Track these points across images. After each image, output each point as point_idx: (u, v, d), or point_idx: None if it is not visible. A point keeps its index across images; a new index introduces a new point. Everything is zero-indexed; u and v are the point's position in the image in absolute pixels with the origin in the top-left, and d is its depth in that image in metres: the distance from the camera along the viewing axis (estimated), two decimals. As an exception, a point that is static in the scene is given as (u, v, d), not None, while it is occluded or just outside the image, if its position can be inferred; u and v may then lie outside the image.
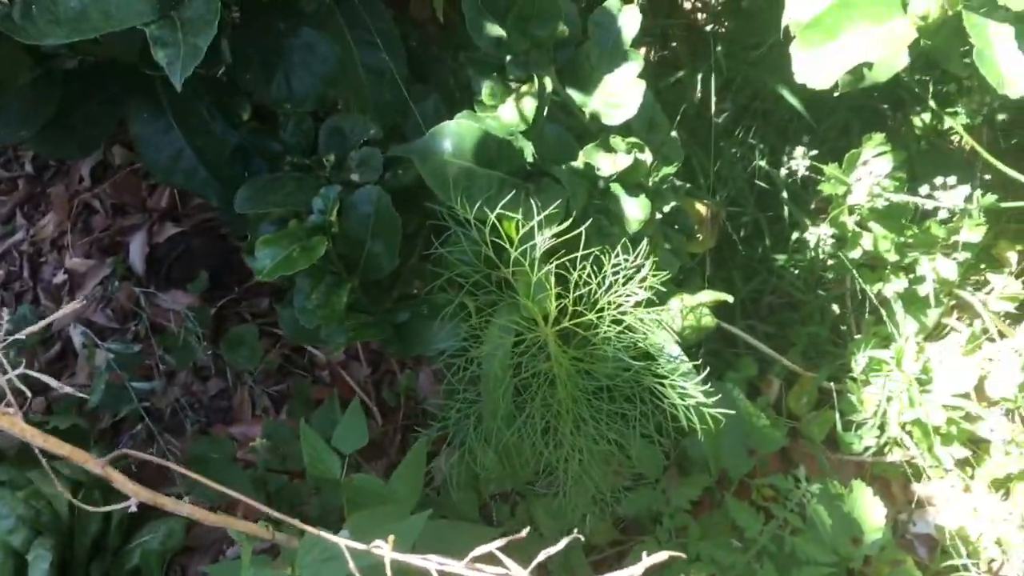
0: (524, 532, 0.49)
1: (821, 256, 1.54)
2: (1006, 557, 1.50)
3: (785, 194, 1.66)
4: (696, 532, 1.29)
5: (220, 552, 1.73)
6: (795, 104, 1.55)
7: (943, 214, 1.42)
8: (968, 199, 1.35)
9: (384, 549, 0.52)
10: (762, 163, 1.63)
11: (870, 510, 1.21)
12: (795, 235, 1.72)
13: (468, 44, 1.35)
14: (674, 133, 1.16)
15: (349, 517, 1.14)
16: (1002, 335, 1.54)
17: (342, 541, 0.60)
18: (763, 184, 1.68)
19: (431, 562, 0.48)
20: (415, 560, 0.50)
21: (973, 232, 1.46)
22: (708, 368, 1.57)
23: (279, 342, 1.90)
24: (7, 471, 1.59)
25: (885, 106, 1.79)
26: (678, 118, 1.59)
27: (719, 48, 1.53)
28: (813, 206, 1.82)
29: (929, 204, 1.41)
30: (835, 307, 1.72)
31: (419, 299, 1.14)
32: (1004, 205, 1.41)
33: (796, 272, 1.71)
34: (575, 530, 0.59)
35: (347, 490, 1.09)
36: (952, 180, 1.36)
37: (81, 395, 1.67)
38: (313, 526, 1.54)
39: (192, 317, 1.67)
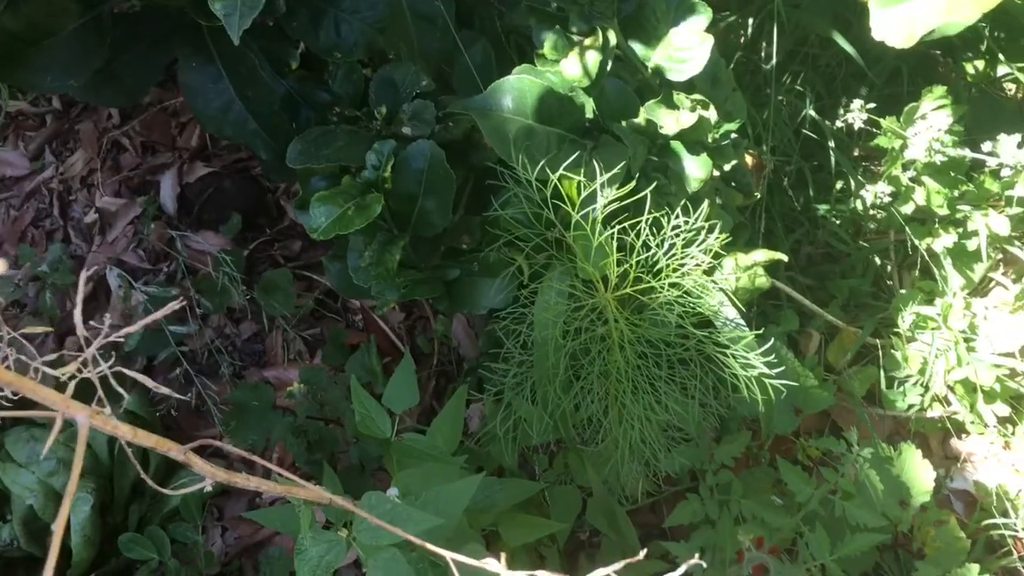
0: (642, 554, 0.47)
1: (863, 207, 1.51)
2: (1043, 511, 1.50)
3: (832, 144, 1.62)
4: (739, 489, 1.29)
5: (257, 494, 1.74)
6: (850, 51, 1.49)
7: (1006, 172, 1.38)
8: (1032, 157, 1.31)
9: (499, 568, 0.51)
10: (812, 112, 1.58)
11: (919, 473, 1.20)
12: (839, 184, 1.68)
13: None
14: (735, 88, 1.12)
15: (397, 475, 1.14)
16: (1051, 290, 1.51)
17: (447, 554, 0.59)
18: (809, 133, 1.64)
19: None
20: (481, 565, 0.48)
21: (1029, 187, 1.43)
22: (753, 326, 1.57)
23: (312, 286, 1.89)
24: (47, 414, 1.59)
25: (937, 52, 1.73)
26: (731, 66, 1.54)
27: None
28: (856, 153, 1.79)
29: (990, 160, 1.37)
30: (878, 260, 1.69)
31: (470, 256, 1.12)
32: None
33: (838, 222, 1.68)
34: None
35: (396, 449, 1.09)
36: (1017, 137, 1.32)
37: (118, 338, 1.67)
38: (351, 474, 1.55)
39: (229, 261, 1.66)
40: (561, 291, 0.99)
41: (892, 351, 1.53)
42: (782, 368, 0.97)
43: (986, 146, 1.34)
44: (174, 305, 0.59)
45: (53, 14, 0.94)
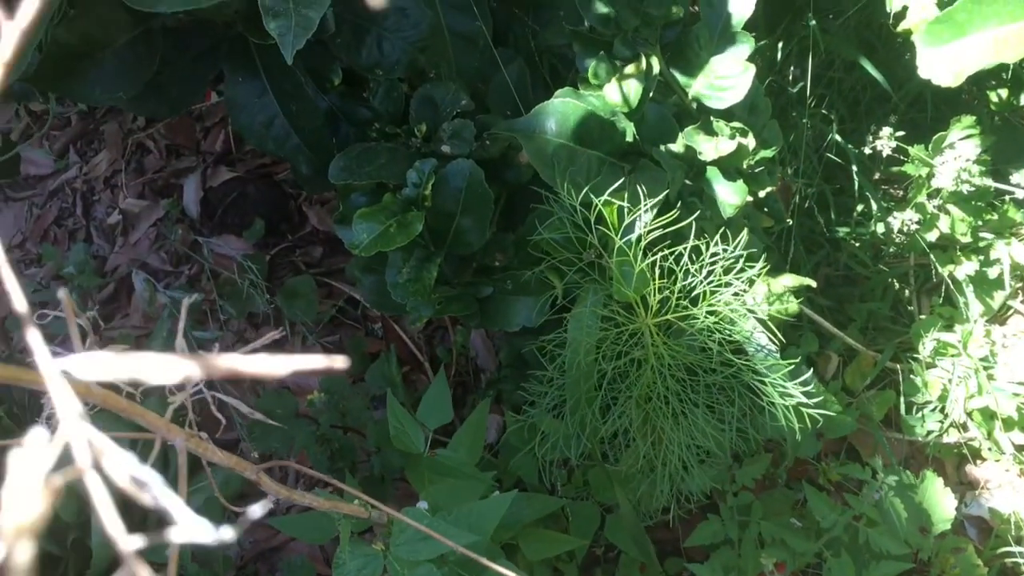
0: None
1: (884, 231, 1.53)
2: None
3: (855, 168, 1.64)
4: (759, 511, 1.30)
5: (276, 500, 1.75)
6: (878, 77, 1.51)
7: (1019, 196, 1.40)
8: (1059, 191, 1.32)
9: None
10: (836, 136, 1.59)
11: (940, 501, 1.21)
12: (860, 207, 1.70)
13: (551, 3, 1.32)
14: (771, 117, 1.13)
15: (426, 490, 1.15)
16: (1072, 322, 1.53)
17: (494, 566, 0.60)
18: (832, 156, 1.66)
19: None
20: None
21: (1052, 218, 1.44)
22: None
23: (333, 292, 1.90)
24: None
25: (961, 80, 1.75)
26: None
27: (808, 17, 1.48)
28: (877, 177, 1.80)
29: (1016, 191, 1.39)
30: (896, 284, 1.71)
31: (504, 273, 1.13)
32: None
33: (857, 245, 1.70)
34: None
35: (428, 465, 1.10)
36: (1044, 170, 1.33)
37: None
38: (371, 484, 1.56)
39: (254, 268, 1.67)
40: (597, 314, 1.00)
41: (912, 376, 1.54)
42: (820, 398, 0.98)
43: (1015, 177, 1.36)
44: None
45: (106, 27, 0.95)
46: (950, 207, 1.46)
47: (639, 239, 0.95)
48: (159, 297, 1.73)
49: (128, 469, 0.24)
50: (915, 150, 1.38)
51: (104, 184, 2.06)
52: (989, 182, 1.40)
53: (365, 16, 1.09)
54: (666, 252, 0.96)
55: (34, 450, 0.21)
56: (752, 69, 1.01)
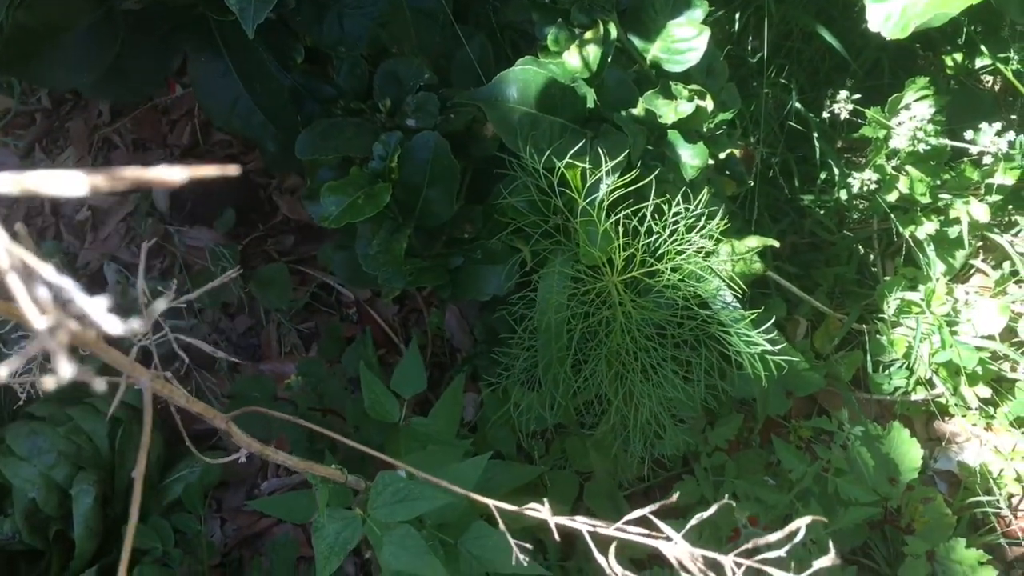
0: (674, 496, 0.51)
1: (847, 197, 1.56)
2: (1022, 488, 1.55)
3: (816, 135, 1.67)
4: (733, 470, 1.33)
5: (255, 485, 1.76)
6: (835, 44, 1.54)
7: (987, 159, 1.43)
8: (1012, 144, 1.36)
9: (544, 513, 0.54)
10: (797, 104, 1.62)
11: (907, 451, 1.25)
12: (823, 175, 1.73)
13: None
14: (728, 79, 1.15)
15: (404, 458, 1.17)
16: (1029, 275, 1.57)
17: (491, 503, 0.61)
18: (794, 124, 1.68)
19: (582, 525, 0.50)
20: (567, 523, 0.51)
21: (1007, 175, 1.48)
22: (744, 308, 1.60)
23: (306, 280, 1.91)
24: (47, 407, 1.60)
25: (917, 45, 1.78)
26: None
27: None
28: (839, 145, 1.83)
29: (970, 148, 1.42)
30: (861, 248, 1.74)
31: (473, 244, 1.15)
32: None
33: (822, 212, 1.73)
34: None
35: (404, 433, 1.11)
36: (997, 126, 1.37)
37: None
38: (352, 463, 1.57)
39: (227, 255, 1.67)
40: (566, 275, 1.02)
41: (877, 336, 1.57)
42: (783, 345, 1.01)
43: (966, 135, 1.39)
44: (229, 273, 0.61)
45: (67, 9, 0.96)
46: (908, 168, 1.49)
47: (602, 200, 0.97)
48: (131, 290, 1.73)
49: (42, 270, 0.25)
50: (872, 112, 1.41)
51: (72, 181, 2.05)
52: (945, 141, 1.43)
53: (326, -7, 1.10)
54: (629, 212, 0.97)
55: None
56: (707, 32, 1.03)
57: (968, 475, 1.54)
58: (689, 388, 1.00)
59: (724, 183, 1.33)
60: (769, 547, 0.40)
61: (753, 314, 1.02)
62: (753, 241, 1.26)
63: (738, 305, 1.12)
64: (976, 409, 1.58)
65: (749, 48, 1.66)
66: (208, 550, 1.60)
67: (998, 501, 1.55)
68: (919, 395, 1.59)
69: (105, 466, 1.59)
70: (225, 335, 1.87)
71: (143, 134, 2.04)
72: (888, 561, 1.32)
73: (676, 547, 0.43)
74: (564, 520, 0.51)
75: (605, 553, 0.46)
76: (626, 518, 0.46)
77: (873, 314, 1.63)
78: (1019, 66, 1.42)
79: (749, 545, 0.41)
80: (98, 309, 0.25)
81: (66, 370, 0.25)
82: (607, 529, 0.49)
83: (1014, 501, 1.57)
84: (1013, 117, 1.64)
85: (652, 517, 0.45)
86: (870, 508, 1.13)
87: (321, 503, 0.91)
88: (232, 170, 0.28)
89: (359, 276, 1.11)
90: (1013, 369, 1.53)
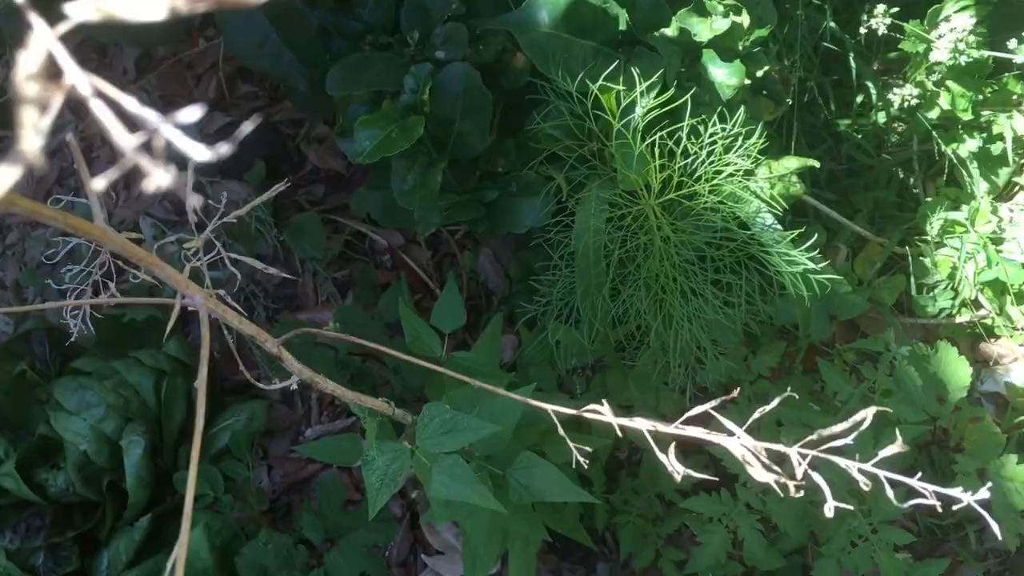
0: (736, 391, 0.50)
1: (885, 120, 1.52)
2: (1073, 409, 1.53)
3: (852, 56, 1.62)
4: (776, 397, 1.32)
5: (299, 434, 1.78)
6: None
7: (1018, 69, 1.39)
8: (1057, 53, 1.31)
9: (606, 412, 0.53)
10: (832, 24, 1.58)
11: (956, 369, 1.23)
12: (860, 98, 1.68)
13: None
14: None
15: (448, 394, 1.17)
16: (1078, 189, 1.53)
17: (548, 407, 0.61)
18: (830, 47, 1.64)
19: (643, 424, 0.49)
20: (628, 423, 0.51)
21: (1053, 86, 1.43)
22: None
23: (339, 228, 1.91)
24: (92, 362, 1.63)
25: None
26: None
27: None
28: (877, 67, 1.78)
29: (1013, 59, 1.38)
30: (900, 171, 1.70)
31: (508, 176, 1.13)
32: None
33: (860, 136, 1.69)
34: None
35: (447, 365, 1.11)
36: (1041, 34, 1.32)
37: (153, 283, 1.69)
38: (395, 404, 1.59)
39: (261, 206, 1.67)
40: (603, 199, 1.01)
41: (921, 259, 1.55)
42: (826, 263, 0.99)
43: (1009, 44, 1.34)
44: (280, 187, 0.61)
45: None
46: (949, 83, 1.45)
47: (638, 123, 0.95)
48: (167, 245, 1.74)
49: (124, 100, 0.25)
50: (911, 25, 1.37)
51: (102, 141, 2.06)
52: (988, 53, 1.39)
53: (347, -74, 1.08)
54: (665, 134, 0.96)
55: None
56: (741, -57, 1.00)
57: (1016, 395, 1.52)
58: (731, 312, 0.99)
59: (761, 105, 1.30)
60: (834, 437, 0.40)
61: (794, 234, 1.00)
62: (792, 162, 1.23)
63: (779, 226, 1.10)
64: (1023, 328, 1.55)
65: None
66: (258, 496, 1.62)
67: (1047, 420, 1.53)
68: (964, 317, 1.56)
69: (152, 417, 1.62)
70: (262, 285, 1.88)
71: (169, 89, 2.04)
72: (936, 482, 1.31)
73: (739, 441, 0.43)
74: (625, 421, 0.51)
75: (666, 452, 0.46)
76: (687, 414, 0.45)
77: (915, 237, 1.60)
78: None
79: (814, 436, 0.41)
80: (181, 136, 0.25)
81: (162, 178, 0.25)
82: (667, 428, 0.48)
83: (1063, 419, 1.56)
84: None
85: (714, 412, 0.44)
86: (919, 427, 1.12)
87: (371, 435, 0.91)
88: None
89: (395, 215, 1.10)
90: (1061, 286, 1.49)
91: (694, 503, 1.20)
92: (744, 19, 1.03)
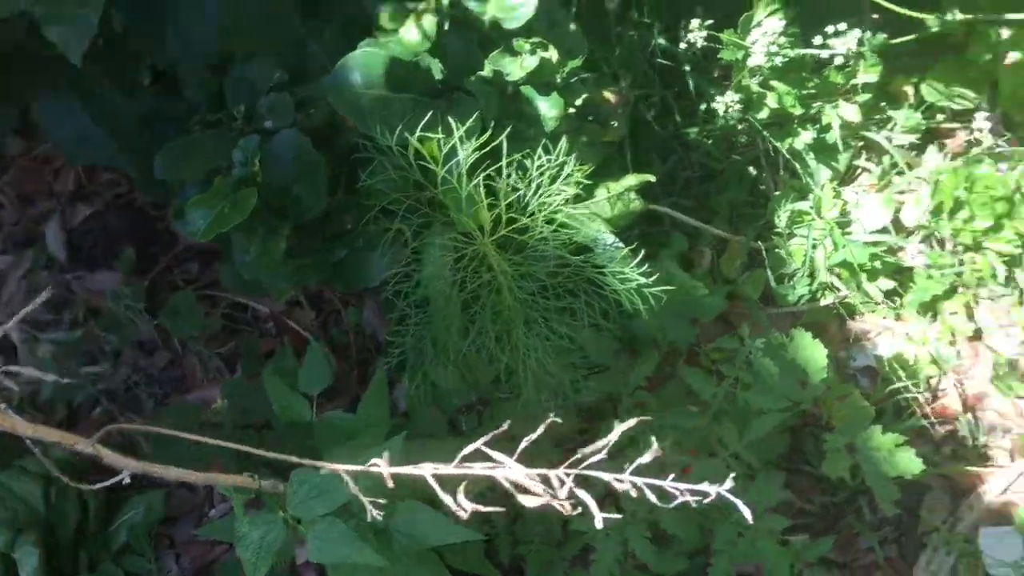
0: (504, 425, 0.52)
1: (730, 123, 1.59)
2: (941, 372, 1.61)
3: (688, 68, 1.69)
4: (654, 405, 1.36)
5: (203, 515, 1.75)
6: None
7: (839, 61, 1.47)
8: (860, 42, 1.40)
9: (382, 465, 0.55)
10: (661, 41, 1.64)
11: (812, 353, 1.28)
12: (703, 106, 1.76)
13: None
14: (574, 26, 1.17)
15: (324, 455, 1.18)
16: (909, 166, 1.61)
17: (340, 466, 0.62)
18: (665, 62, 1.70)
19: (425, 470, 0.51)
20: (409, 471, 0.53)
21: (869, 73, 1.52)
22: (642, 250, 1.63)
23: (217, 302, 1.90)
24: (-26, 479, 1.58)
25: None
26: (573, 10, 1.60)
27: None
28: (716, 74, 1.86)
29: (825, 53, 1.46)
30: (751, 170, 1.77)
31: (353, 233, 1.15)
32: (894, 42, 1.46)
33: (710, 142, 1.75)
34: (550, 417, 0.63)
35: (319, 429, 1.12)
36: (842, 26, 1.41)
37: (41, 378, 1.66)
38: (289, 468, 1.58)
39: (128, 293, 1.66)
40: (444, 245, 1.03)
41: (776, 251, 1.61)
42: (656, 276, 1.03)
43: (815, 41, 1.43)
44: (44, 295, 0.61)
45: None
46: (774, 83, 1.53)
47: (462, 166, 0.98)
48: (40, 345, 1.71)
49: None
50: (726, 35, 1.44)
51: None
52: (802, 50, 1.47)
53: (158, 11, 1.09)
54: (493, 172, 0.99)
55: None
56: (536, -17, 1.05)
57: (884, 366, 1.59)
58: (576, 336, 1.02)
59: (597, 130, 1.35)
60: (597, 452, 0.42)
61: (627, 249, 1.04)
62: (630, 179, 1.28)
63: (620, 244, 1.15)
64: (882, 303, 1.63)
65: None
66: (167, 585, 1.59)
67: (918, 385, 1.61)
68: (828, 299, 1.63)
69: (44, 525, 1.58)
70: (146, 372, 1.85)
71: (27, 187, 2.01)
72: (816, 463, 1.36)
73: (511, 471, 0.45)
74: (403, 469, 0.53)
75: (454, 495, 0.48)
76: (463, 452, 0.48)
77: (770, 231, 1.66)
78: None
79: (578, 455, 0.43)
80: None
81: None
82: (448, 468, 0.50)
83: (932, 383, 1.63)
84: (875, 16, 1.68)
85: (485, 448, 0.46)
86: (778, 415, 1.17)
87: (238, 511, 0.92)
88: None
89: (245, 284, 1.11)
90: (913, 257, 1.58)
91: (579, 523, 1.23)
92: (552, 54, 1.07)
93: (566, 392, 1.20)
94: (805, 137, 1.60)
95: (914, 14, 1.42)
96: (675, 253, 1.65)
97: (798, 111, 1.57)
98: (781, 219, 1.59)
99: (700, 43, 1.45)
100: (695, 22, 1.46)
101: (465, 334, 1.05)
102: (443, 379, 1.24)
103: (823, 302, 1.64)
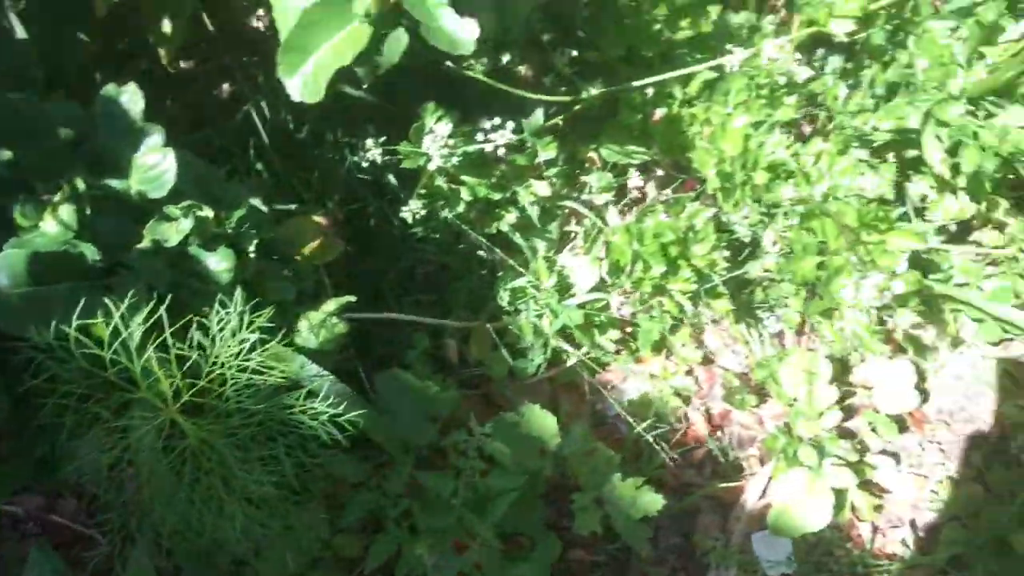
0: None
1: (431, 222, 1.66)
2: (684, 401, 1.73)
3: (390, 177, 1.76)
4: (417, 508, 1.38)
5: None
6: (358, 94, 1.62)
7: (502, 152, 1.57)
8: (517, 130, 1.51)
9: None
10: (355, 159, 1.70)
11: (543, 421, 1.35)
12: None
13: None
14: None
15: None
16: (604, 222, 1.74)
17: None
18: (365, 177, 1.76)
19: None
20: None
21: (547, 151, 1.64)
22: (389, 360, 1.67)
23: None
24: None
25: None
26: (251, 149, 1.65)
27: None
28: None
29: (500, 142, 1.55)
30: (480, 253, 1.84)
31: (50, 428, 1.13)
32: (552, 121, 1.58)
33: (437, 236, 1.82)
34: None
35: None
36: (497, 120, 1.51)
37: None
38: None
39: None
40: (143, 417, 1.03)
41: (510, 327, 1.69)
42: (349, 399, 1.06)
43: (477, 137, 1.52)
44: None
45: None
46: (464, 177, 1.62)
47: (132, 343, 0.99)
48: None
49: None
50: (403, 147, 1.51)
51: None
52: (473, 147, 1.55)
53: None
54: (165, 336, 1.00)
55: None
56: (171, 151, 1.08)
57: (634, 409, 1.69)
58: (281, 479, 1.04)
59: (298, 265, 1.38)
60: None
61: (331, 377, 1.07)
62: (330, 305, 1.32)
63: (325, 373, 1.18)
64: (618, 352, 1.73)
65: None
66: None
67: (667, 419, 1.71)
68: (572, 359, 1.71)
69: None
70: None
71: None
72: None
73: None
74: None
75: None
76: None
77: (501, 311, 1.74)
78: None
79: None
80: None
81: None
82: None
83: (679, 413, 1.75)
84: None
85: None
86: (513, 493, 1.22)
87: None
88: None
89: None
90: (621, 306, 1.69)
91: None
92: (208, 213, 1.10)
93: (319, 532, 1.20)
94: (509, 218, 1.70)
95: (552, 99, 1.55)
96: (422, 351, 1.70)
97: (496, 196, 1.67)
98: (503, 299, 1.67)
99: (379, 160, 1.52)
100: (368, 141, 1.54)
101: (176, 505, 1.04)
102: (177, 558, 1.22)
103: (569, 362, 1.72)
